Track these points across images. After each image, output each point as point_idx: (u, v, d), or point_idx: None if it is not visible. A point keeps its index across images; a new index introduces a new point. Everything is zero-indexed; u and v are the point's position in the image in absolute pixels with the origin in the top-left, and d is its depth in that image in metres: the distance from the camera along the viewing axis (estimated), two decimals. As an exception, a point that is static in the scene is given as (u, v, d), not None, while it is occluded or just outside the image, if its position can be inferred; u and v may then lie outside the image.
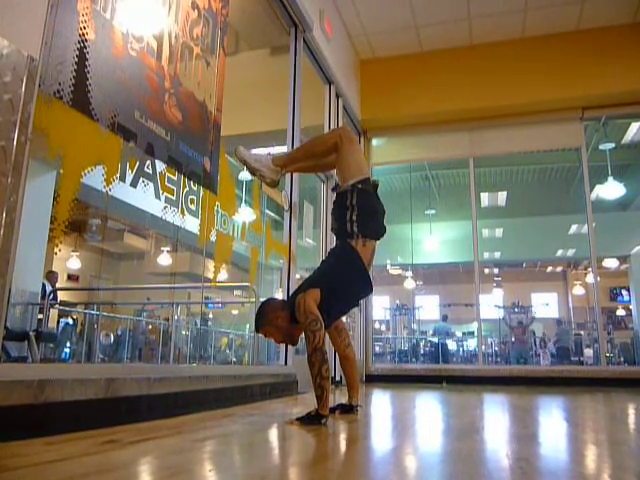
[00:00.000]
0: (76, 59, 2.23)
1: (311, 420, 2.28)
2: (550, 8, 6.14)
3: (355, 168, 2.70)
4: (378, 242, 2.74)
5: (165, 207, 2.93)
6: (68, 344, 8.00)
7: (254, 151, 2.90)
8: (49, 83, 2.08)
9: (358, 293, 2.80)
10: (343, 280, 2.60)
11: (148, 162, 2.75)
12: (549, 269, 18.64)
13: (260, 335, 2.67)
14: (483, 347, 7.72)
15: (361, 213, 2.60)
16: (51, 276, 7.25)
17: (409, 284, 14.57)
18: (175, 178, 2.98)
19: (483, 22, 6.42)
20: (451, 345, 13.59)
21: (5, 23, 1.88)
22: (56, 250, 2.34)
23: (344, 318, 2.98)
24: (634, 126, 8.06)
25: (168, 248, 12.43)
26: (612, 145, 8.05)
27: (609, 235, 10.46)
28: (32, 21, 2.00)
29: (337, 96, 6.15)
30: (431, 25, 6.49)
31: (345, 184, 2.67)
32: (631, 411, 3.59)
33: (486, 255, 13.60)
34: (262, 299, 2.76)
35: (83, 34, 2.28)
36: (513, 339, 12.55)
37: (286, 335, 2.60)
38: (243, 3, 4.88)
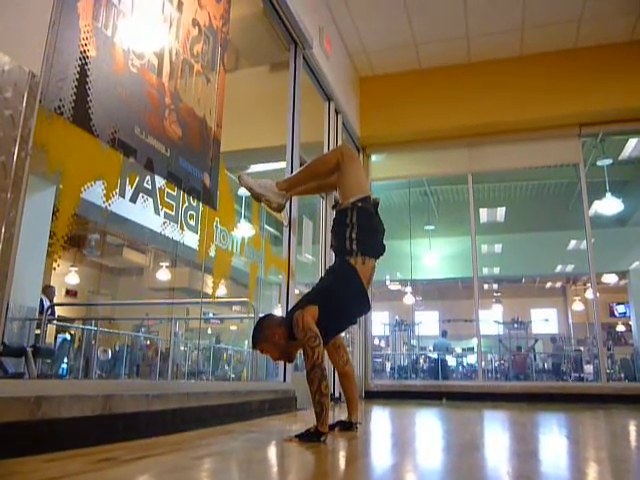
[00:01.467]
0: (77, 75, 2.24)
1: (310, 437, 2.27)
2: (548, 26, 6.21)
3: (356, 186, 2.71)
4: (377, 260, 2.74)
5: (164, 222, 2.93)
6: (65, 360, 7.95)
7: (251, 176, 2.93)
8: (50, 99, 2.09)
9: (356, 311, 2.78)
10: (341, 297, 2.59)
11: (148, 178, 2.76)
12: (548, 285, 18.63)
13: (257, 352, 2.66)
14: (483, 363, 7.68)
15: (361, 231, 2.60)
16: (48, 291, 7.22)
17: (408, 300, 14.55)
18: (174, 193, 2.98)
19: (481, 40, 6.48)
20: (451, 361, 13.54)
21: (6, 39, 1.90)
22: (55, 265, 2.33)
23: (343, 334, 2.97)
24: (631, 142, 8.10)
25: (167, 263, 12.43)
26: (610, 161, 8.09)
27: (608, 251, 10.48)
28: (34, 37, 2.02)
29: (336, 112, 6.18)
30: (430, 43, 6.55)
31: (345, 202, 2.67)
32: (632, 428, 3.57)
33: (485, 271, 13.61)
34: (261, 314, 2.76)
35: (84, 51, 2.29)
36: (513, 358, 12.52)
37: (283, 352, 2.58)
38: (243, 21, 4.92)
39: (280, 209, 2.96)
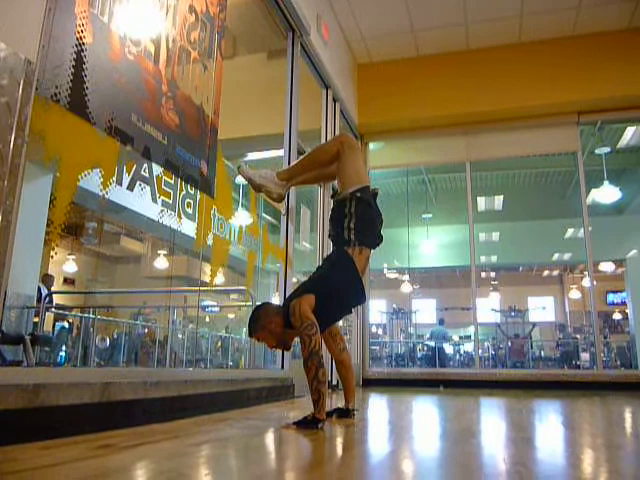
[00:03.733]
0: (73, 62, 2.23)
1: (308, 424, 2.28)
2: (546, 13, 6.17)
3: (355, 176, 2.70)
4: (374, 250, 2.74)
5: (162, 210, 2.93)
6: (64, 348, 7.97)
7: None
8: (46, 86, 2.08)
9: (352, 301, 2.79)
10: (338, 287, 2.59)
11: (145, 165, 2.75)
12: (545, 273, 18.68)
13: (254, 340, 2.67)
14: (480, 351, 7.72)
15: (359, 221, 2.61)
16: (47, 279, 7.23)
17: (406, 288, 14.57)
18: (172, 181, 2.98)
19: (479, 27, 6.44)
20: (448, 349, 13.60)
21: (2, 26, 1.88)
22: (52, 253, 2.33)
23: (340, 322, 2.98)
24: (629, 130, 8.08)
25: (165, 251, 12.42)
26: (608, 149, 8.09)
27: (605, 239, 10.49)
28: (29, 24, 2.00)
29: (334, 100, 6.15)
30: (428, 30, 6.51)
31: (344, 192, 2.67)
32: (628, 415, 3.59)
33: (483, 259, 13.63)
34: (258, 303, 2.76)
35: (80, 37, 2.27)
36: (510, 344, 12.57)
37: (280, 340, 2.59)
38: (240, 7, 4.89)
39: (280, 199, 2.96)
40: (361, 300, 2.82)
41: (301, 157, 3.04)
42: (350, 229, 2.60)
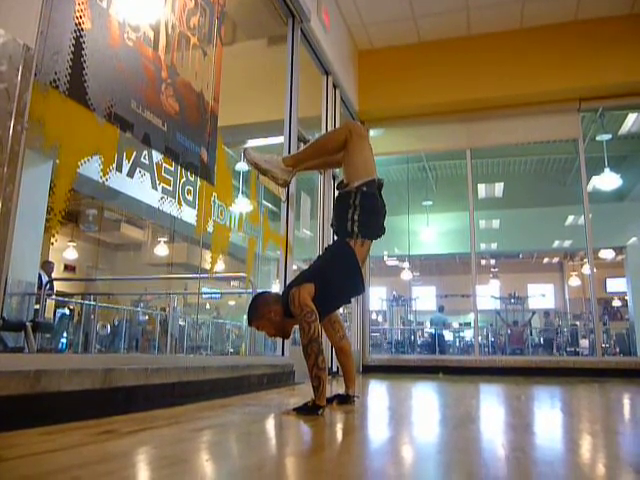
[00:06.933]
0: (72, 48, 2.21)
1: (308, 410, 2.29)
2: (549, -1, 6.12)
3: (362, 168, 2.69)
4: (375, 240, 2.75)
5: (162, 198, 2.92)
6: (65, 334, 8.00)
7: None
8: (45, 72, 2.07)
9: (350, 292, 2.80)
10: (337, 278, 2.60)
11: (145, 152, 2.75)
12: (545, 260, 18.69)
13: (253, 328, 2.67)
14: (479, 338, 7.73)
15: (363, 213, 2.61)
16: (47, 266, 7.24)
17: (406, 275, 14.59)
18: (172, 168, 2.97)
19: (481, 13, 6.38)
20: (448, 336, 13.64)
21: (1, 12, 1.87)
22: (52, 240, 2.32)
23: (339, 310, 2.99)
24: (631, 117, 8.05)
25: (165, 239, 12.42)
26: (609, 136, 8.05)
27: (605, 226, 10.49)
28: (28, 10, 1.99)
29: (334, 87, 6.12)
30: (429, 15, 6.45)
31: (351, 184, 2.66)
32: (626, 401, 3.61)
33: (483, 246, 13.63)
34: (259, 290, 2.77)
35: (79, 23, 2.26)
36: (509, 332, 12.62)
37: (279, 329, 2.60)
38: (240, -8, 4.85)
39: (285, 185, 2.97)
40: (360, 291, 2.83)
41: (308, 144, 3.04)
42: (354, 221, 2.60)
